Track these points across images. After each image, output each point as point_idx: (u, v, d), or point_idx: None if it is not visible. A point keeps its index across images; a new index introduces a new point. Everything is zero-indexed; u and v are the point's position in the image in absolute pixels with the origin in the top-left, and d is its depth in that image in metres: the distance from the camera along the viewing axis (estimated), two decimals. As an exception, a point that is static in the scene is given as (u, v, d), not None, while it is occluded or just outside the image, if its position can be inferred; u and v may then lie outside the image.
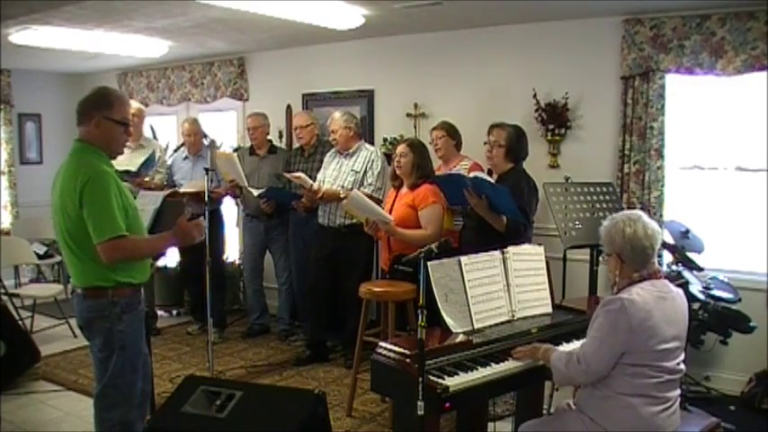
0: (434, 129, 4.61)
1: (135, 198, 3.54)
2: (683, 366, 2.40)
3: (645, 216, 2.44)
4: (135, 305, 2.76)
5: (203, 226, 2.86)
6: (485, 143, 3.91)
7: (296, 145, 5.43)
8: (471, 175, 3.61)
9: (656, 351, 2.29)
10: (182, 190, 5.08)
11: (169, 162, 5.51)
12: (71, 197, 2.58)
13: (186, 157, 5.43)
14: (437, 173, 4.33)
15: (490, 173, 3.98)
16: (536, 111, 4.70)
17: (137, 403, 2.82)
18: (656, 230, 2.41)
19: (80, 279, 2.70)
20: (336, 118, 4.65)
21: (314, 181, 4.67)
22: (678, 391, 2.40)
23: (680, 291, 2.47)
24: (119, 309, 2.68)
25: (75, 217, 2.59)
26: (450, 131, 4.55)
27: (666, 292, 2.40)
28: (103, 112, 2.66)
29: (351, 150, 4.66)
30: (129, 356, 2.75)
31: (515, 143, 3.81)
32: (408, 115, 5.31)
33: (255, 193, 4.82)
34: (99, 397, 2.76)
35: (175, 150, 5.69)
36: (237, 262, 6.18)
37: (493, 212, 3.60)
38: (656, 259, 2.43)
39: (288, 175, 4.68)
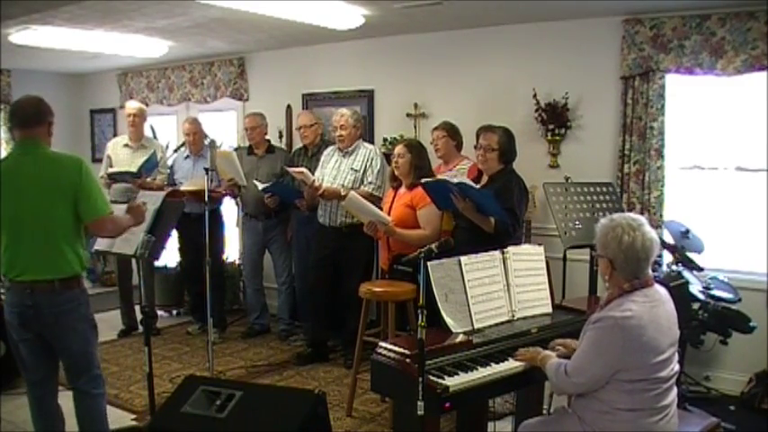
0: (435, 129, 4.61)
1: (134, 198, 3.59)
2: (677, 368, 2.37)
3: (646, 224, 2.34)
4: None
5: (143, 210, 3.20)
6: (475, 147, 3.89)
7: (297, 145, 5.42)
8: (455, 180, 3.63)
9: (652, 365, 2.25)
10: (182, 188, 5.08)
11: (170, 162, 5.51)
12: (71, 186, 2.81)
13: (187, 157, 5.44)
14: (438, 173, 4.33)
15: (480, 173, 3.97)
16: (536, 111, 4.70)
17: None
18: (654, 241, 2.31)
19: (57, 270, 2.82)
20: (347, 115, 4.61)
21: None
22: (675, 392, 2.38)
23: (665, 291, 2.41)
24: (86, 294, 2.96)
25: (72, 205, 2.82)
26: (451, 132, 4.55)
27: (657, 299, 2.34)
28: (52, 118, 3.04)
29: (350, 149, 4.65)
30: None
31: (507, 145, 3.81)
32: (408, 115, 5.31)
33: (260, 186, 4.81)
34: (90, 381, 3.01)
35: (176, 150, 5.69)
36: (237, 262, 6.18)
37: (480, 215, 3.61)
38: (649, 270, 2.35)
39: (290, 170, 4.66)
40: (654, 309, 2.30)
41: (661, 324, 2.30)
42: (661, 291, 2.40)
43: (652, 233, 2.33)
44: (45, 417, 3.04)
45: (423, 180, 3.89)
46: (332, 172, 4.67)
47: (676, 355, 2.38)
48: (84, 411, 3.03)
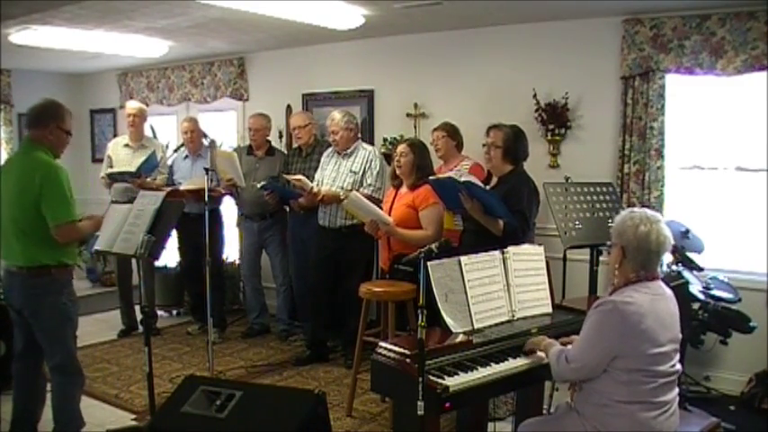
0: (435, 129, 4.62)
1: (135, 198, 3.59)
2: (678, 367, 2.38)
3: (663, 222, 2.39)
4: (71, 283, 3.28)
5: (100, 221, 3.42)
6: (483, 145, 3.87)
7: (295, 145, 5.42)
8: (462, 179, 3.57)
9: (650, 355, 2.27)
10: (182, 188, 5.08)
11: (170, 162, 5.51)
12: (30, 186, 3.04)
13: (186, 157, 5.44)
14: (438, 173, 4.32)
15: (490, 176, 3.96)
16: (536, 111, 4.71)
17: None
18: (667, 239, 2.37)
19: (25, 260, 3.12)
20: (337, 119, 4.60)
21: (312, 181, 4.67)
22: (676, 392, 2.39)
23: (670, 291, 2.44)
24: (59, 285, 3.18)
25: (31, 204, 3.05)
26: (451, 132, 4.55)
27: (660, 293, 2.38)
28: (57, 122, 3.20)
29: (349, 150, 4.65)
30: (74, 328, 3.28)
31: (513, 143, 3.72)
32: (408, 115, 5.31)
33: (258, 184, 4.81)
34: (60, 368, 3.20)
35: (176, 150, 5.69)
36: (237, 262, 6.18)
37: (488, 216, 3.57)
38: (657, 267, 2.40)
39: (289, 177, 4.67)
40: (655, 301, 2.33)
41: (661, 317, 2.32)
42: (665, 287, 2.43)
43: (667, 231, 2.39)
44: (23, 391, 3.27)
45: (430, 177, 3.87)
46: (331, 174, 4.66)
47: (677, 353, 2.38)
48: (54, 395, 3.25)
